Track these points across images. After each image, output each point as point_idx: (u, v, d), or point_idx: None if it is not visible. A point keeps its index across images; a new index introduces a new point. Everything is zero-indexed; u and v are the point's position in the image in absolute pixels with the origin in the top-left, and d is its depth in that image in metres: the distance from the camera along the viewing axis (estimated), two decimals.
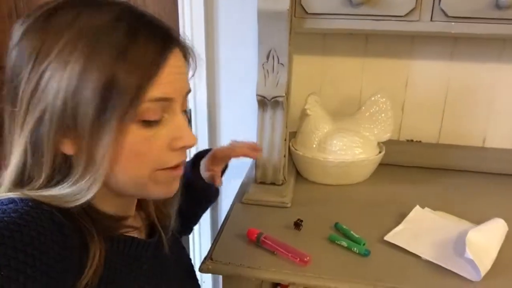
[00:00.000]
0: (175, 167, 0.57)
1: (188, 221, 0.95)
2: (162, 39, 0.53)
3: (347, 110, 1.23)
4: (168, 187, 0.59)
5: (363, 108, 1.14)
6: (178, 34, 0.57)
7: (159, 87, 0.52)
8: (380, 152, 1.13)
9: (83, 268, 0.52)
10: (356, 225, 0.92)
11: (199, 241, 1.50)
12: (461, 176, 1.20)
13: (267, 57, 0.96)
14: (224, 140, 1.37)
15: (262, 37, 0.95)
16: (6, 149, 0.55)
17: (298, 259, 0.80)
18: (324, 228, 0.92)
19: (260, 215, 0.97)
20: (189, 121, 1.33)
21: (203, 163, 0.89)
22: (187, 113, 1.32)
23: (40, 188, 0.53)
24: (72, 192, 0.52)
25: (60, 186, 0.52)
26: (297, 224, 0.91)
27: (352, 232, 0.88)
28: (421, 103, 1.22)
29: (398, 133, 1.26)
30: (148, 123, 0.53)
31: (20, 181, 0.54)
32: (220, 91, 1.33)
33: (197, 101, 1.31)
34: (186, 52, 0.59)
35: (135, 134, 0.52)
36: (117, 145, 0.51)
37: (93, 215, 0.56)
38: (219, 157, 0.90)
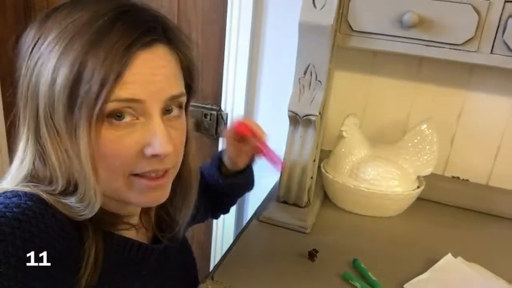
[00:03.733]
0: (154, 177, 0.54)
1: (222, 208, 0.98)
2: (137, 34, 0.49)
3: (389, 137, 1.15)
4: (146, 196, 0.55)
5: (406, 137, 1.05)
6: (169, 30, 0.53)
7: (127, 87, 0.48)
8: (418, 187, 1.04)
9: (80, 264, 0.51)
10: (377, 264, 0.84)
11: (222, 229, 1.48)
12: (510, 227, 1.07)
13: (305, 72, 0.90)
14: None
15: (302, 51, 0.89)
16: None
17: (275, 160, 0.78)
18: (340, 263, 0.85)
19: (275, 237, 0.91)
20: (225, 124, 1.30)
21: (226, 158, 0.85)
22: (222, 116, 1.29)
23: (57, 194, 0.51)
24: (82, 205, 0.51)
25: (72, 198, 0.51)
26: (312, 255, 0.85)
27: (369, 273, 0.81)
28: (474, 139, 1.11)
29: (443, 168, 1.15)
30: (117, 125, 0.50)
31: (38, 184, 0.52)
32: (259, 100, 1.28)
33: (235, 106, 1.27)
34: (178, 51, 0.55)
35: (103, 135, 0.49)
36: (88, 143, 0.48)
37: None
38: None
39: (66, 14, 0.49)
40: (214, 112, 1.29)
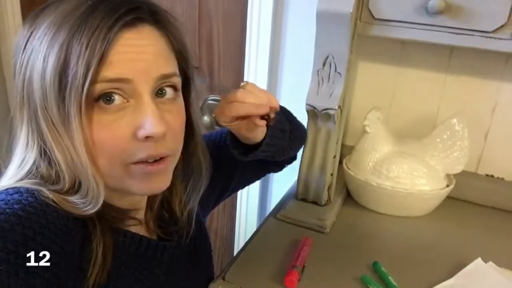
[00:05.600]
0: (153, 162, 0.52)
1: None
2: (119, 13, 0.48)
3: (417, 132, 1.08)
4: (148, 183, 0.53)
5: (435, 132, 0.98)
6: (156, 12, 0.52)
7: (113, 67, 0.47)
8: (447, 186, 0.98)
9: (86, 264, 0.49)
10: (399, 268, 0.79)
11: (245, 224, 1.45)
12: None
13: (324, 64, 0.86)
14: None
15: (320, 41, 0.84)
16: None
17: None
18: (360, 265, 0.80)
19: (292, 236, 0.87)
20: None
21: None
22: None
23: (66, 194, 0.51)
24: (84, 201, 0.50)
25: (77, 195, 0.50)
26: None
27: (390, 277, 0.76)
28: (510, 134, 1.03)
29: (476, 165, 1.08)
30: (106, 108, 0.48)
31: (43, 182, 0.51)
32: (280, 93, 1.24)
33: None
34: (167, 33, 0.53)
35: (95, 120, 0.48)
36: (82, 131, 0.47)
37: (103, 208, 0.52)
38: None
39: (54, 8, 0.49)
40: None
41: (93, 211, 0.50)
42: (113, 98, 0.49)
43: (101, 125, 0.48)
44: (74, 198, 0.50)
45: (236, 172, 0.82)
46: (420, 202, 0.96)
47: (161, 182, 0.55)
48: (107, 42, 0.46)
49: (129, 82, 0.48)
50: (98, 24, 0.46)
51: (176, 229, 0.66)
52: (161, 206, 0.66)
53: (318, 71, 0.87)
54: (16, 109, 0.51)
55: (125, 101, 0.49)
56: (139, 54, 0.49)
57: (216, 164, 0.70)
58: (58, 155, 0.50)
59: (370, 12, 0.81)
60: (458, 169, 0.97)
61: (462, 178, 1.01)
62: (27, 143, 0.51)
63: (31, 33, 0.49)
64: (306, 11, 1.13)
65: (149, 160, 0.52)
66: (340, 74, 0.85)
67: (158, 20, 0.52)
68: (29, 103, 0.50)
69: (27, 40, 0.49)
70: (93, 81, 0.46)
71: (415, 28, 0.79)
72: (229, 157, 0.72)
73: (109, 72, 0.47)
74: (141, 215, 0.63)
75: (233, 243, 1.51)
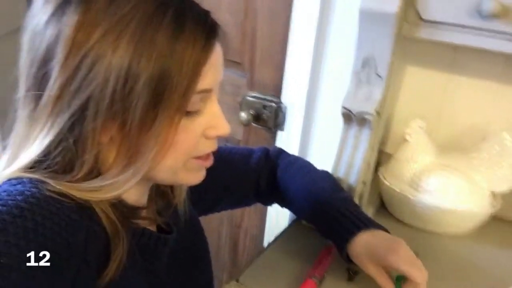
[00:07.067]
0: (207, 156, 0.57)
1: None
2: (207, 28, 0.50)
3: (464, 144, 1.00)
4: (197, 175, 0.58)
5: (482, 146, 0.91)
6: (216, 20, 0.52)
7: (205, 79, 0.50)
8: (492, 205, 0.90)
9: (91, 257, 0.49)
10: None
11: (276, 222, 1.41)
12: None
13: (363, 65, 0.81)
14: (315, 142, 1.24)
15: (361, 41, 0.80)
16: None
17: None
18: None
19: (315, 244, 0.83)
20: (284, 118, 1.23)
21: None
22: (281, 109, 1.23)
23: (78, 181, 0.49)
24: (108, 184, 0.49)
25: (98, 179, 0.50)
26: (350, 275, 0.76)
27: None
28: None
29: None
30: (188, 113, 0.51)
31: (52, 172, 0.50)
32: (321, 94, 1.19)
33: (296, 99, 1.20)
34: (222, 39, 0.54)
35: (177, 125, 0.50)
36: (165, 137, 0.49)
37: (115, 204, 0.52)
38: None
39: (110, 2, 0.46)
40: (274, 104, 1.23)
41: (107, 195, 0.49)
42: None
43: (181, 129, 0.50)
44: (88, 184, 0.49)
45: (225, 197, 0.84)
46: (459, 220, 0.89)
47: (204, 172, 0.59)
48: (206, 55, 0.49)
49: (210, 91, 0.52)
50: (195, 37, 0.48)
51: (174, 215, 0.66)
52: (156, 195, 0.65)
53: (357, 72, 0.82)
54: (32, 98, 0.49)
55: (200, 105, 0.52)
56: (219, 64, 0.52)
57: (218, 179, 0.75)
58: (91, 150, 0.48)
59: (418, 12, 0.76)
60: (505, 187, 0.89)
61: (510, 198, 0.93)
62: (42, 131, 0.48)
63: (83, 23, 0.45)
64: (353, 9, 1.08)
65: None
66: (380, 76, 0.80)
67: (220, 28, 0.53)
68: (71, 98, 0.47)
69: (77, 31, 0.45)
70: (192, 94, 0.49)
71: (466, 33, 0.73)
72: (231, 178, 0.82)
73: (202, 83, 0.50)
74: (146, 212, 0.61)
75: (263, 243, 1.48)
